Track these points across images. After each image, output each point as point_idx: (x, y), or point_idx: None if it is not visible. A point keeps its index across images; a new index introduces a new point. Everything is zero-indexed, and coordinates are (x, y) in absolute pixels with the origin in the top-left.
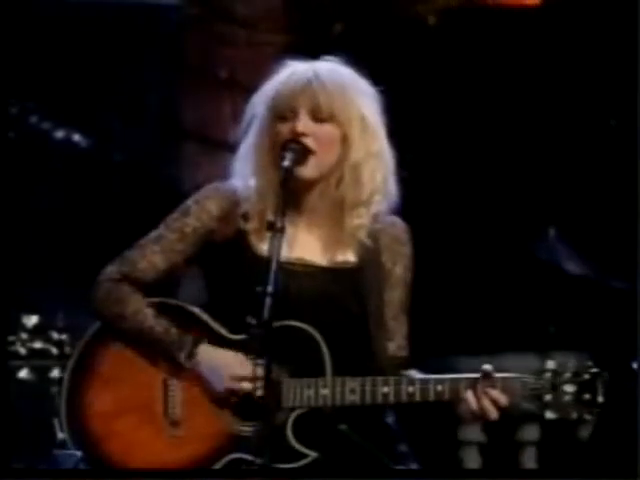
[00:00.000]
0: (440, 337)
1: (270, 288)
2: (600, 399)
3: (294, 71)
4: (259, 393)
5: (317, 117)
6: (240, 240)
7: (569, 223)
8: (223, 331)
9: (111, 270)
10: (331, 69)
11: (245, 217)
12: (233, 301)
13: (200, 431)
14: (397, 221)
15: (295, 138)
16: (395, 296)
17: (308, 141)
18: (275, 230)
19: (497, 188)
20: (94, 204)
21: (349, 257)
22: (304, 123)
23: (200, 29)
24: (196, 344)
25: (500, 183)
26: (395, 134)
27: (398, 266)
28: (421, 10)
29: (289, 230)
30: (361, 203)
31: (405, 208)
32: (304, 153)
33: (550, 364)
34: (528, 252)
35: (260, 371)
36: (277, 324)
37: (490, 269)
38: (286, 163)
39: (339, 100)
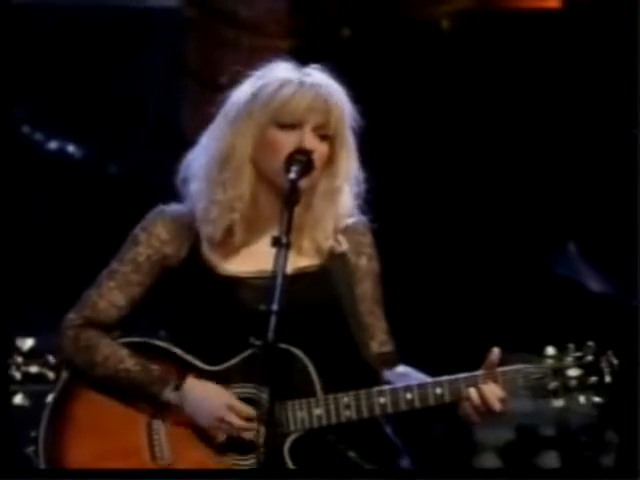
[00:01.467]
0: (454, 356)
1: (275, 306)
2: (607, 379)
3: (302, 82)
4: (250, 434)
5: (321, 134)
6: (199, 261)
7: (590, 237)
8: (199, 363)
9: (72, 317)
10: (335, 85)
11: (213, 221)
12: (202, 328)
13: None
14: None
15: (302, 151)
16: (366, 288)
17: (315, 157)
18: (281, 246)
19: (516, 199)
20: (90, 221)
21: (312, 260)
22: (309, 138)
23: (200, 33)
24: (181, 378)
25: (519, 194)
26: (406, 142)
27: (362, 258)
28: (434, 13)
29: (254, 243)
30: (332, 227)
31: (422, 221)
32: (309, 167)
33: (549, 350)
34: (546, 268)
35: (251, 410)
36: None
37: (506, 285)
38: (292, 176)
39: (342, 121)
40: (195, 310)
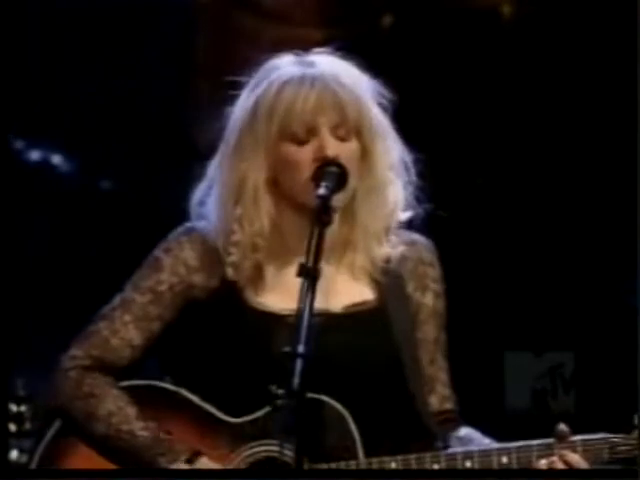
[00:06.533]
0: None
1: (302, 348)
2: None
3: (302, 78)
4: None
5: (340, 135)
6: (229, 293)
7: None
8: (218, 414)
9: (76, 354)
10: (341, 69)
11: (234, 264)
12: (225, 374)
13: None
14: (418, 239)
15: (329, 161)
16: (429, 333)
17: (344, 163)
18: (309, 275)
19: (585, 218)
20: (78, 246)
21: (366, 295)
22: (329, 143)
23: (213, 22)
24: (194, 458)
25: (591, 213)
26: (461, 148)
27: (428, 295)
28: None
29: (284, 275)
30: (383, 229)
31: (483, 245)
32: (342, 180)
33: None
34: (616, 297)
35: None
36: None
37: (576, 321)
38: (322, 192)
39: (363, 110)
40: (219, 352)
